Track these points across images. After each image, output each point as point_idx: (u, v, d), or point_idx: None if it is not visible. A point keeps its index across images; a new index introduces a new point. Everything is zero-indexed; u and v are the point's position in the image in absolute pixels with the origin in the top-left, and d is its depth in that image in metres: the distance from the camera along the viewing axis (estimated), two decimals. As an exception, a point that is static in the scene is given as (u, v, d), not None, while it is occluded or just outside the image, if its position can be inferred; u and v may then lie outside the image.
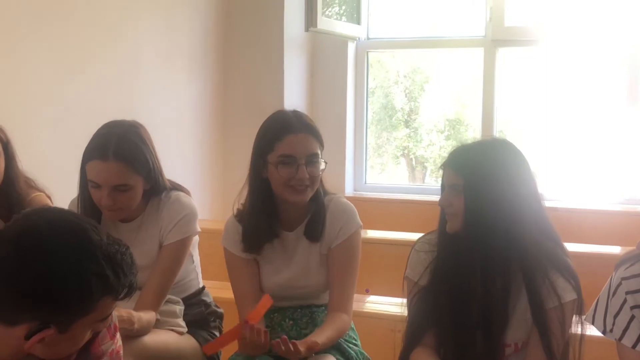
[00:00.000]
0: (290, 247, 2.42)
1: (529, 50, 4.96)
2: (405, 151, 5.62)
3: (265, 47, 4.80)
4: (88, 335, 1.60)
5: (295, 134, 2.30)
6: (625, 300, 1.93)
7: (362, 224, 2.45)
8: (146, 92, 4.11)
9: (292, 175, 2.29)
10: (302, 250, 2.41)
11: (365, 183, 5.35)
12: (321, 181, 2.42)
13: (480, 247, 2.05)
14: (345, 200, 2.45)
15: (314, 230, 2.39)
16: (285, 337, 2.10)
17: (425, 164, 5.57)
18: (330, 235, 2.39)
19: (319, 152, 2.34)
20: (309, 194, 2.34)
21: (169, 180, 2.53)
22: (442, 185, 2.14)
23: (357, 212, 2.44)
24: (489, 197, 2.03)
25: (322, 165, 2.34)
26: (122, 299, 1.58)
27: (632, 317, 1.92)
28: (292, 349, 2.08)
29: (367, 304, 3.50)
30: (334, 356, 2.32)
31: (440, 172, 2.17)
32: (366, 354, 2.48)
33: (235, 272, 2.44)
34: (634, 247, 1.93)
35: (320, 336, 2.23)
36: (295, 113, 2.38)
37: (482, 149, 2.13)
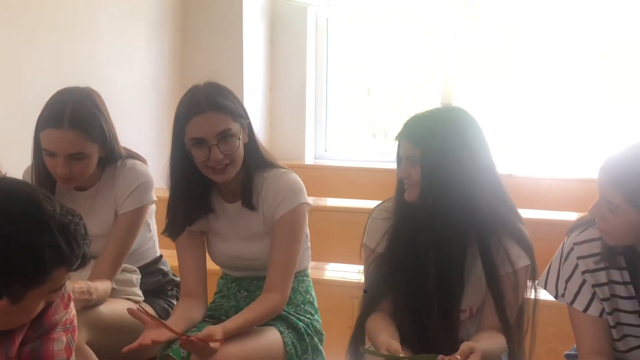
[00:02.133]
0: (234, 218, 2.39)
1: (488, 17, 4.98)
2: (367, 119, 5.62)
3: (225, 13, 4.75)
4: (41, 305, 1.60)
5: (201, 114, 2.19)
6: (576, 265, 1.97)
7: (310, 203, 2.37)
8: (101, 59, 4.04)
9: (206, 157, 2.22)
10: (246, 220, 2.38)
11: (326, 151, 5.35)
12: (263, 153, 2.37)
13: (438, 216, 2.05)
14: (294, 176, 2.37)
15: (248, 198, 2.34)
16: (193, 338, 2.01)
17: (387, 132, 5.58)
18: (271, 208, 2.33)
19: (232, 126, 2.22)
20: (232, 171, 2.26)
21: (124, 148, 2.50)
22: (399, 157, 2.13)
23: (304, 191, 2.36)
24: (445, 167, 2.03)
25: (238, 140, 2.24)
26: (76, 269, 1.57)
27: (584, 282, 1.96)
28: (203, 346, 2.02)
29: (326, 272, 3.52)
30: (279, 327, 2.32)
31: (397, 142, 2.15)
32: (319, 327, 2.46)
33: (179, 244, 2.42)
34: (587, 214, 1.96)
35: (233, 322, 2.18)
36: (206, 89, 2.25)
37: (436, 119, 2.11)
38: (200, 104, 2.21)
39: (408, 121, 2.13)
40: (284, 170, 2.38)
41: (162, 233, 2.41)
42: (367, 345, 2.15)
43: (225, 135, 2.22)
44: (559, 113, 4.91)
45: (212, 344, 2.03)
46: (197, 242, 2.42)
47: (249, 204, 2.34)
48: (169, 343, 2.16)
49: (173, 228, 2.38)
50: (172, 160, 2.32)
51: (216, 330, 2.09)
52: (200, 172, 2.28)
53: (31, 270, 1.48)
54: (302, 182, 2.38)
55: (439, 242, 2.07)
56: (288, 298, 2.35)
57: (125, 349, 2.01)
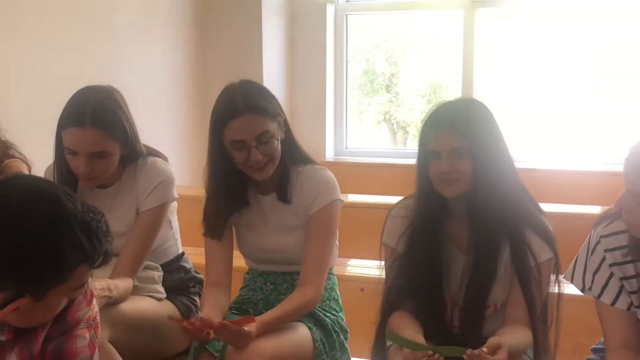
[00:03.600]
0: (267, 210, 2.42)
1: (509, 11, 4.94)
2: (387, 116, 5.61)
3: (244, 11, 4.75)
4: (64, 303, 1.60)
5: (239, 117, 2.22)
6: (604, 258, 1.94)
7: (343, 200, 2.40)
8: (123, 58, 4.06)
9: (246, 158, 2.25)
10: (278, 213, 2.40)
11: (346, 147, 5.34)
12: (299, 147, 2.41)
13: (481, 209, 2.03)
14: (329, 173, 2.40)
15: (284, 191, 2.37)
16: (228, 322, 2.04)
17: (407, 128, 5.56)
18: (306, 202, 2.36)
19: (270, 128, 2.25)
20: (270, 168, 2.30)
21: (145, 146, 2.50)
22: (432, 152, 2.02)
23: (338, 187, 2.39)
24: (493, 158, 2.01)
25: (277, 141, 2.27)
26: (98, 267, 1.57)
27: (611, 275, 1.94)
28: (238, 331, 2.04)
29: (348, 268, 3.51)
30: (307, 324, 2.32)
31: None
32: (345, 325, 2.46)
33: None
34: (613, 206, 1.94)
35: (270, 314, 2.20)
36: (243, 89, 2.27)
37: (474, 110, 2.07)
38: (239, 106, 2.23)
39: (440, 112, 2.06)
40: (319, 166, 2.41)
41: (205, 235, 2.40)
42: (389, 344, 2.13)
43: (264, 137, 2.24)
44: (577, 106, 4.87)
45: (246, 327, 2.04)
46: (226, 233, 2.43)
47: (284, 197, 2.37)
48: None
49: (215, 227, 2.38)
50: (210, 160, 2.34)
51: (251, 317, 2.10)
52: (238, 169, 2.31)
53: (53, 267, 1.48)
54: (335, 180, 2.40)
55: (476, 236, 2.04)
56: (322, 292, 2.35)
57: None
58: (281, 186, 2.37)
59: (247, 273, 2.57)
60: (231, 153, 2.27)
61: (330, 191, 2.36)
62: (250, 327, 2.07)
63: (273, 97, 2.33)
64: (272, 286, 2.47)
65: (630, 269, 1.91)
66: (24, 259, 1.46)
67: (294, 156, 2.39)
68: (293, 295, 2.31)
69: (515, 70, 5.02)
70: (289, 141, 2.38)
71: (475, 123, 2.02)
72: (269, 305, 2.38)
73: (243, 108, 2.22)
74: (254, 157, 2.24)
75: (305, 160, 2.42)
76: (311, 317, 2.36)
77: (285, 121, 2.36)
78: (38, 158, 2.60)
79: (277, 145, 2.29)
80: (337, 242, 2.51)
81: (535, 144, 4.89)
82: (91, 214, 1.54)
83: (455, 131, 2.00)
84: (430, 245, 2.10)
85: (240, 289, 2.56)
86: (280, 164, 2.35)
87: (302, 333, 2.29)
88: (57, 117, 2.35)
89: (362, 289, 3.25)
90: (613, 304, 1.94)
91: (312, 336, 2.30)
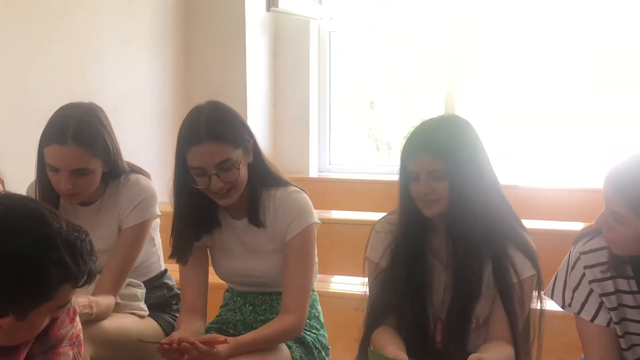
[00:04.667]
0: (241, 234, 2.37)
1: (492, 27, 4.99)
2: (371, 132, 5.63)
3: (227, 28, 4.76)
4: (47, 321, 1.59)
5: (200, 145, 2.16)
6: (583, 275, 1.96)
7: (319, 222, 2.35)
8: (106, 74, 4.05)
9: (207, 185, 2.21)
10: (252, 237, 2.36)
11: (330, 164, 5.35)
12: (270, 170, 2.35)
13: (460, 228, 2.03)
14: (303, 196, 2.34)
15: (255, 215, 2.32)
16: (196, 341, 2.03)
17: (391, 144, 5.58)
18: (281, 227, 2.31)
19: (232, 155, 2.19)
20: (234, 194, 2.25)
21: (127, 163, 2.50)
22: (411, 172, 2.04)
23: (313, 210, 2.34)
24: (471, 179, 2.01)
25: (238, 170, 2.20)
26: (82, 286, 1.57)
27: (591, 291, 1.95)
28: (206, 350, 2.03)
29: (332, 284, 3.51)
30: (287, 342, 2.29)
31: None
32: (326, 342, 2.45)
33: None
34: (593, 223, 1.96)
35: (247, 336, 2.19)
36: (207, 114, 2.20)
37: (452, 130, 2.05)
38: (200, 133, 2.17)
39: (419, 132, 2.07)
40: (293, 189, 2.35)
41: (170, 258, 2.38)
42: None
43: (225, 165, 2.19)
44: (559, 122, 4.90)
45: (217, 347, 2.03)
46: (200, 257, 2.40)
47: (256, 221, 2.33)
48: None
49: (180, 250, 2.34)
50: (175, 179, 2.29)
51: (224, 337, 2.09)
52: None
53: (37, 287, 1.48)
54: (310, 202, 2.36)
55: (456, 253, 2.05)
56: (305, 319, 2.32)
57: None
58: (251, 210, 2.32)
59: (227, 291, 2.54)
60: (194, 178, 2.23)
61: (305, 215, 2.31)
62: (220, 348, 2.05)
63: (239, 121, 2.27)
64: (250, 307, 2.44)
65: (609, 286, 1.93)
66: (7, 278, 1.46)
67: (265, 179, 2.33)
68: (274, 320, 2.28)
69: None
70: (259, 164, 2.32)
71: (453, 144, 2.01)
72: (247, 326, 2.37)
73: (204, 136, 2.17)
74: (214, 184, 2.19)
75: (278, 182, 2.35)
76: None
77: (255, 144, 2.30)
78: (19, 175, 2.59)
79: (241, 171, 2.23)
80: (316, 259, 2.50)
81: (520, 158, 4.92)
82: (76, 233, 1.54)
83: (432, 153, 2.00)
84: (413, 260, 2.10)
85: (220, 307, 2.53)
86: (249, 188, 2.30)
87: (280, 351, 2.26)
88: (39, 134, 2.35)
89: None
90: (593, 320, 1.96)
91: (292, 354, 2.29)
